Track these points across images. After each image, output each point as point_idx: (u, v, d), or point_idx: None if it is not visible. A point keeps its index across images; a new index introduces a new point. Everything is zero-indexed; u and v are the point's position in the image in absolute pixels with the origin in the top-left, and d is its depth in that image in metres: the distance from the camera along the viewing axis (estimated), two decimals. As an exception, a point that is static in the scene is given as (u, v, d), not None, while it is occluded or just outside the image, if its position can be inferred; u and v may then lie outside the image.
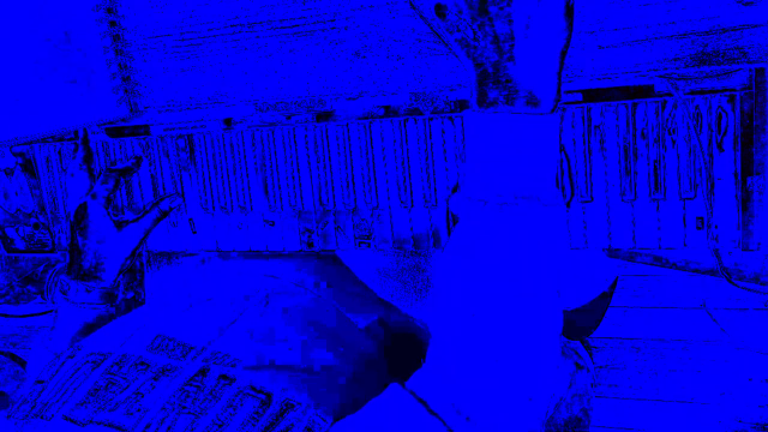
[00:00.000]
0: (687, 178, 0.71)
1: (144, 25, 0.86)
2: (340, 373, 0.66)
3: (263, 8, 0.80)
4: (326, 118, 0.83)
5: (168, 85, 0.88)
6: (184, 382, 0.58)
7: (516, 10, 0.51)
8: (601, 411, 1.80)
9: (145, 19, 0.86)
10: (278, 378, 0.58)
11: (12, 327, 2.25)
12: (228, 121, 0.87)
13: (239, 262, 0.92)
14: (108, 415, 0.56)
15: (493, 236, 0.54)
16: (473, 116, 0.55)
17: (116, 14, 0.86)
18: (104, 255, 0.81)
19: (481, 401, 0.52)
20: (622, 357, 1.77)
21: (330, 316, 0.78)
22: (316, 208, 0.86)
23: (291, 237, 0.88)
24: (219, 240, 0.92)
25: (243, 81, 0.84)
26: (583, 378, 1.07)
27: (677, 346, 1.73)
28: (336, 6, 0.77)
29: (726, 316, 1.66)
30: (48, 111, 0.85)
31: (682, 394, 1.73)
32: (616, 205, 0.74)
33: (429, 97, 0.77)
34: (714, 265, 0.75)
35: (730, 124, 0.68)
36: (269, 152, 0.86)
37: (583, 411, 1.08)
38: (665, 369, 1.74)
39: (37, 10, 0.81)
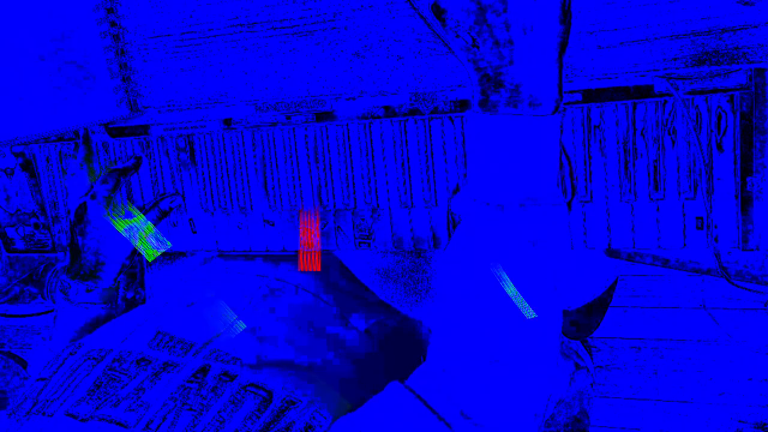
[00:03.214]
0: (687, 178, 0.71)
1: (144, 25, 0.86)
2: (340, 372, 0.66)
3: (263, 8, 0.80)
4: (326, 118, 0.83)
5: (168, 85, 0.88)
6: (185, 379, 0.58)
7: (513, 17, 0.51)
8: (601, 411, 1.80)
9: (145, 19, 0.86)
10: (279, 376, 0.58)
11: (12, 327, 2.25)
12: (228, 121, 0.88)
13: (240, 262, 0.92)
14: (110, 411, 0.56)
15: (495, 237, 0.54)
16: (475, 118, 0.55)
17: (116, 14, 0.87)
18: (104, 255, 0.81)
19: (481, 399, 0.53)
20: (622, 357, 1.77)
21: (330, 317, 0.78)
22: (316, 209, 0.86)
23: (291, 237, 0.88)
24: (219, 240, 0.92)
25: (243, 81, 0.84)
26: (583, 378, 1.07)
27: (677, 346, 1.73)
28: (336, 6, 0.77)
29: (726, 316, 1.66)
30: (48, 111, 0.85)
31: (682, 394, 1.73)
32: (616, 206, 0.74)
33: (429, 97, 0.78)
34: (714, 265, 0.75)
35: (729, 124, 0.69)
36: (269, 152, 0.86)
37: (583, 411, 1.08)
38: (665, 369, 1.74)
39: (37, 10, 0.81)
